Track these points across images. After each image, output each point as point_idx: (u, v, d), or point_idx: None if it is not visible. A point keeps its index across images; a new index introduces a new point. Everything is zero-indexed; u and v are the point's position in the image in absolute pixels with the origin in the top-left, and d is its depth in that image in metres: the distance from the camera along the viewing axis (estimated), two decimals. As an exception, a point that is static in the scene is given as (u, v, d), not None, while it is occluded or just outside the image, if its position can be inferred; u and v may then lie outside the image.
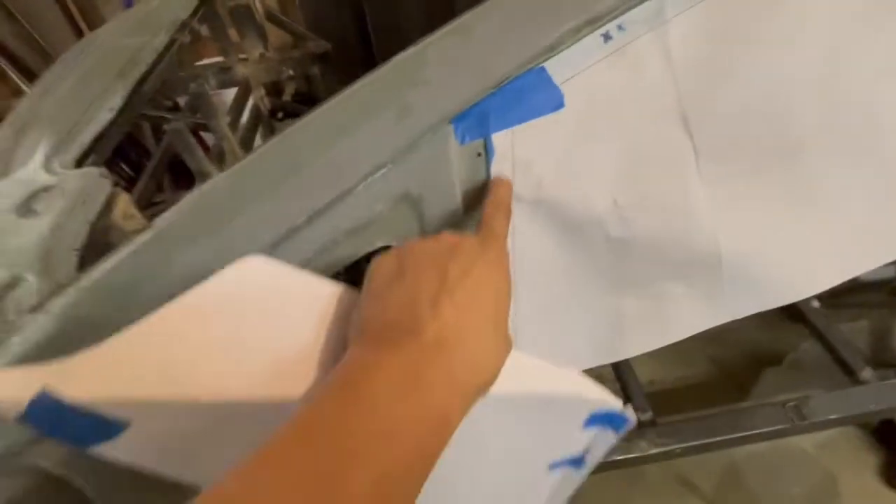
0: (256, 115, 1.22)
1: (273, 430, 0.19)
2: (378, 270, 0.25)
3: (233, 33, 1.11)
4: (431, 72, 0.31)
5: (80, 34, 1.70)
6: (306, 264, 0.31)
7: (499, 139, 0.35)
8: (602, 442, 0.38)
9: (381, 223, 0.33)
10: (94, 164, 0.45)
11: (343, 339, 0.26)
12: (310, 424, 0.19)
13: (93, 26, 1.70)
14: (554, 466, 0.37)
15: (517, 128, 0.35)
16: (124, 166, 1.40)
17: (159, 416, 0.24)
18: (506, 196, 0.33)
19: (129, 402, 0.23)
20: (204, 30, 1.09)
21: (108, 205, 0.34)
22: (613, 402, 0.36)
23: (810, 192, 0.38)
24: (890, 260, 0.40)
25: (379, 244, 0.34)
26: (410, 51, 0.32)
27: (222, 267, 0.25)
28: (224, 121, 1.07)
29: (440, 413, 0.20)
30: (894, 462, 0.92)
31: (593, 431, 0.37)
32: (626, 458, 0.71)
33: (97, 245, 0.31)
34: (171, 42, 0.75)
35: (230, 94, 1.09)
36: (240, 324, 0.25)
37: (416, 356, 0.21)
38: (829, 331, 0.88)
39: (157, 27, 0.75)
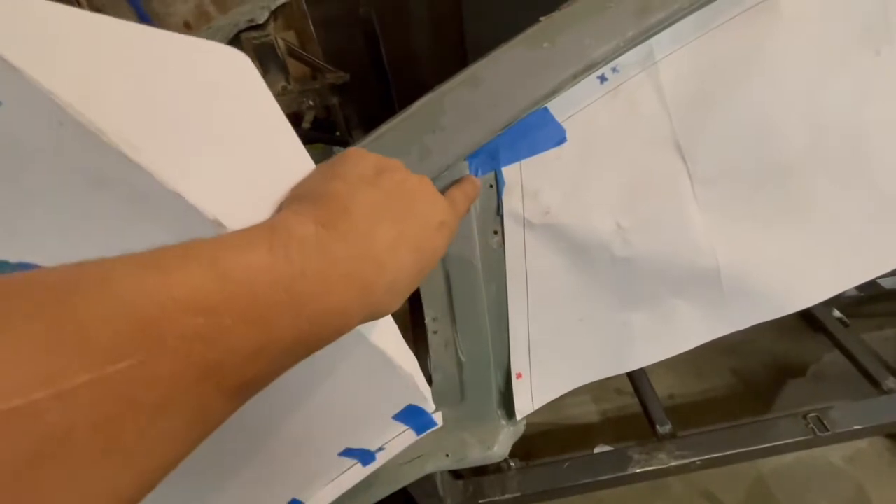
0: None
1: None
2: (351, 158, 0.24)
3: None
4: (447, 119, 0.35)
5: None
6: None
7: (508, 172, 0.39)
8: (401, 441, 0.34)
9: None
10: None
11: (276, 199, 0.23)
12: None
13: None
14: (345, 454, 0.33)
15: (525, 161, 0.39)
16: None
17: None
18: (472, 191, 0.35)
19: None
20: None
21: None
22: (429, 403, 0.33)
23: (801, 211, 0.41)
24: (882, 272, 0.42)
25: (403, 269, 0.39)
26: (427, 98, 0.36)
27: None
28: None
29: (335, 300, 0.18)
30: (928, 475, 0.90)
31: (400, 427, 0.34)
32: (645, 471, 0.71)
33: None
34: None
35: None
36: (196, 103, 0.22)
37: (333, 236, 0.19)
38: (850, 341, 0.87)
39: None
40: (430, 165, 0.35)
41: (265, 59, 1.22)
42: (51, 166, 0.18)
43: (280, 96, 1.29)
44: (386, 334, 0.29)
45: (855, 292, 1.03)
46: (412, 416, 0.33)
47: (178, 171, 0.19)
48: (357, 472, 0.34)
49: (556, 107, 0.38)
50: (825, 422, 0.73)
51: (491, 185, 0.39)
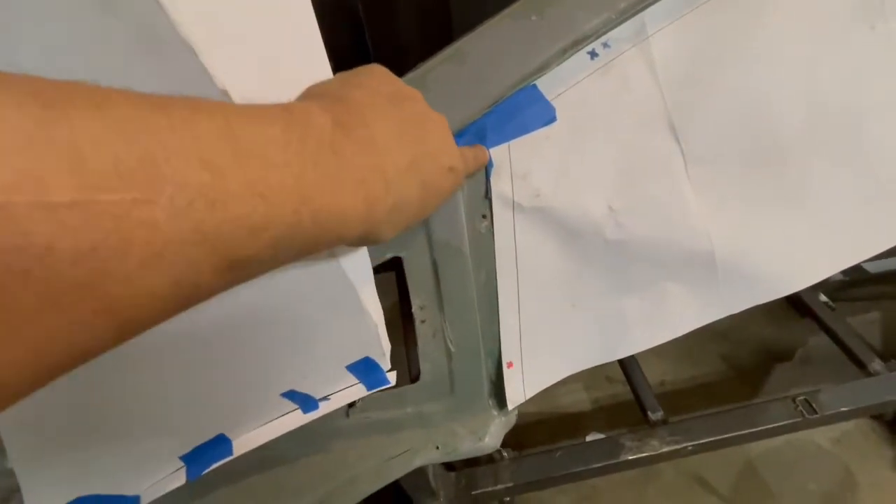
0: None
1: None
2: (376, 73, 0.24)
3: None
4: (430, 97, 0.33)
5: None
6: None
7: (497, 153, 0.37)
8: (348, 394, 0.32)
9: (389, 236, 0.35)
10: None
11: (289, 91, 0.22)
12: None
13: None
14: (288, 395, 0.31)
15: (513, 142, 0.37)
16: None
17: None
18: (482, 156, 0.35)
19: None
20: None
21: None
22: (386, 360, 0.32)
23: (796, 192, 0.40)
24: (877, 252, 0.42)
25: (389, 255, 0.37)
26: (410, 76, 0.35)
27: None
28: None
29: (339, 203, 0.17)
30: (912, 454, 0.92)
31: (350, 379, 0.32)
32: (638, 458, 0.71)
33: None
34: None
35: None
36: None
37: (349, 139, 0.18)
38: (836, 324, 0.88)
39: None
40: (414, 145, 0.33)
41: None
42: None
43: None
44: (363, 276, 0.27)
45: (841, 276, 1.04)
46: (366, 370, 0.31)
47: (195, 25, 0.18)
48: (295, 418, 0.31)
49: (545, 84, 0.37)
50: (813, 404, 0.74)
51: (478, 168, 0.37)
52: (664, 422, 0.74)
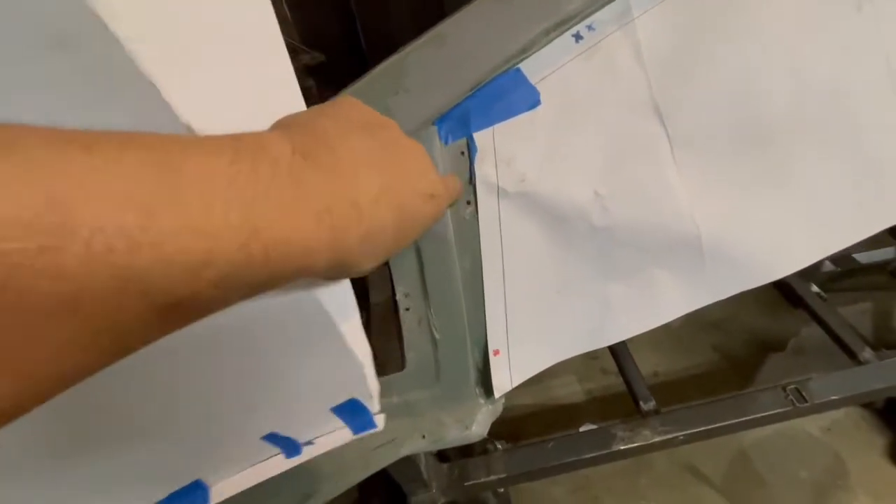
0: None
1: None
2: (346, 104, 0.23)
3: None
4: (411, 81, 0.33)
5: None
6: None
7: (481, 138, 0.37)
8: (333, 439, 0.31)
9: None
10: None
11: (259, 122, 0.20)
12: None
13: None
14: (269, 439, 0.29)
15: (498, 126, 0.37)
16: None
17: None
18: (459, 186, 0.32)
19: None
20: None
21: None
22: (375, 402, 0.30)
23: (784, 175, 0.40)
24: (865, 236, 0.41)
25: (371, 243, 0.36)
26: (390, 60, 0.34)
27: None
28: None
29: (300, 235, 0.16)
30: (901, 442, 0.92)
31: (336, 423, 0.30)
32: (630, 448, 0.71)
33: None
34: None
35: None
36: None
37: (310, 167, 0.17)
38: (827, 314, 0.89)
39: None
40: (395, 129, 0.33)
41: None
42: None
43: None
44: (345, 311, 0.26)
45: (832, 267, 1.04)
46: (352, 413, 0.29)
47: (158, 57, 0.17)
48: (277, 464, 0.30)
49: (529, 67, 0.36)
50: (804, 393, 0.74)
51: (462, 153, 0.37)
52: (656, 412, 0.74)
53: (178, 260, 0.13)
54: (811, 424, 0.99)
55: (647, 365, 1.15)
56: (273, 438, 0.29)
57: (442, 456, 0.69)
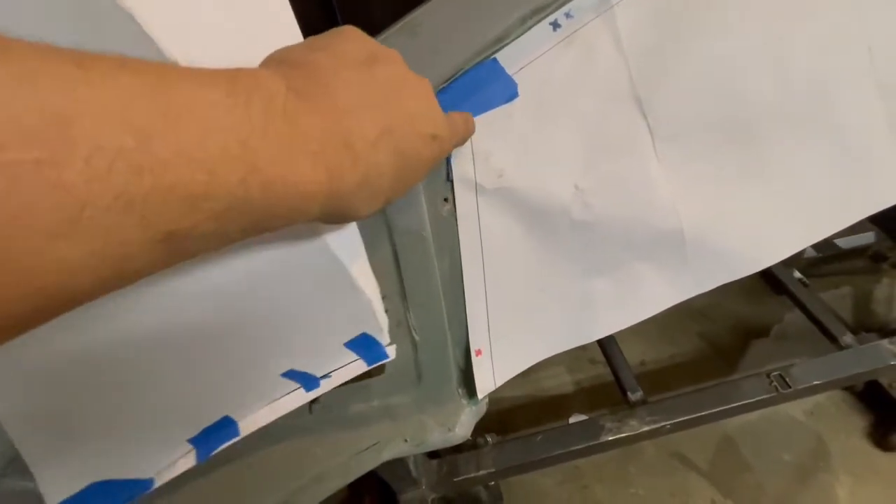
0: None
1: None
2: (345, 35, 0.21)
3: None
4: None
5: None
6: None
7: (457, 132, 0.35)
8: (349, 370, 0.33)
9: (345, 223, 0.33)
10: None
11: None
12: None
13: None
14: (288, 375, 0.31)
15: (474, 120, 0.35)
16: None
17: None
18: (472, 123, 0.32)
19: None
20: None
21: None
22: (385, 334, 0.32)
23: (765, 166, 0.39)
24: (847, 225, 0.41)
25: (345, 243, 0.35)
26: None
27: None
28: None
29: (296, 175, 0.16)
30: (881, 423, 0.95)
31: (350, 356, 0.32)
32: (618, 438, 0.72)
33: None
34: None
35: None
36: None
37: (305, 107, 0.17)
38: (809, 300, 0.90)
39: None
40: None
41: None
42: None
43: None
44: (352, 251, 0.27)
45: (813, 253, 1.06)
46: (365, 346, 0.31)
47: None
48: (298, 397, 0.32)
49: (506, 58, 0.35)
50: (787, 379, 0.75)
51: (438, 148, 0.35)
52: (643, 402, 0.74)
53: (178, 190, 0.13)
54: (794, 408, 1.01)
55: (635, 354, 1.16)
56: (292, 374, 0.31)
57: (431, 452, 0.69)
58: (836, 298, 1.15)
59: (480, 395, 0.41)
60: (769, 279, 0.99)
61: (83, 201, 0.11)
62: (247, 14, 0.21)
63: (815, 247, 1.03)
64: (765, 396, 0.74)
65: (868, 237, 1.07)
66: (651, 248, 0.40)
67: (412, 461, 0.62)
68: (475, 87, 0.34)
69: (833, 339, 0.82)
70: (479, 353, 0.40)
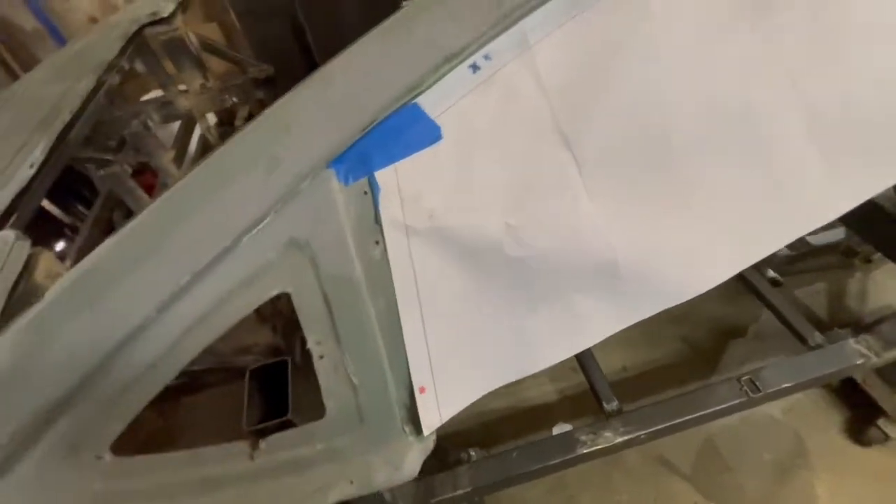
0: (204, 145, 1.21)
1: None
2: None
3: (170, 66, 1.10)
4: (298, 124, 0.32)
5: (14, 76, 1.67)
6: (204, 318, 0.32)
7: (383, 176, 0.35)
8: None
9: (273, 271, 0.34)
10: (19, 221, 0.45)
11: None
12: None
13: (26, 67, 1.67)
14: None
15: (400, 163, 0.36)
16: (81, 208, 1.38)
17: None
18: None
19: None
20: (140, 66, 1.08)
21: (29, 267, 0.33)
22: None
23: (692, 193, 0.40)
24: (781, 246, 0.42)
25: (275, 291, 0.35)
26: (277, 103, 0.33)
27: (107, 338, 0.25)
28: (168, 156, 1.06)
29: None
30: (857, 418, 0.95)
31: None
32: (593, 451, 0.72)
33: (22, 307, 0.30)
34: (99, 84, 0.74)
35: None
36: None
37: None
38: (779, 300, 0.90)
39: (81, 71, 0.75)
40: (282, 177, 0.31)
41: (177, 55, 1.12)
42: None
43: (199, 95, 1.20)
44: None
45: (787, 251, 1.07)
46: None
47: None
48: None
49: (427, 102, 0.35)
50: (757, 383, 0.75)
51: (365, 192, 0.35)
52: (619, 412, 0.74)
53: None
54: (772, 407, 1.02)
55: (616, 360, 1.16)
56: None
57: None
58: (811, 294, 1.15)
59: (426, 431, 0.41)
60: (745, 281, 0.99)
61: None
62: None
63: (789, 245, 1.04)
64: (736, 402, 0.74)
65: (839, 233, 1.08)
66: (587, 279, 0.40)
67: (385, 486, 0.62)
68: (397, 131, 0.35)
69: (802, 340, 0.83)
70: (423, 390, 0.40)
